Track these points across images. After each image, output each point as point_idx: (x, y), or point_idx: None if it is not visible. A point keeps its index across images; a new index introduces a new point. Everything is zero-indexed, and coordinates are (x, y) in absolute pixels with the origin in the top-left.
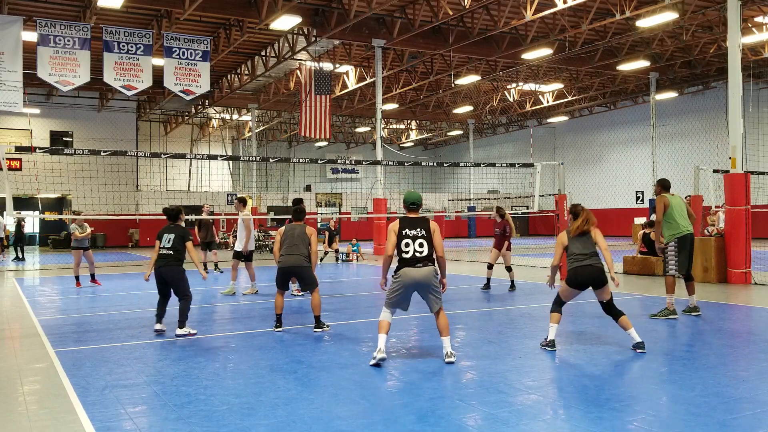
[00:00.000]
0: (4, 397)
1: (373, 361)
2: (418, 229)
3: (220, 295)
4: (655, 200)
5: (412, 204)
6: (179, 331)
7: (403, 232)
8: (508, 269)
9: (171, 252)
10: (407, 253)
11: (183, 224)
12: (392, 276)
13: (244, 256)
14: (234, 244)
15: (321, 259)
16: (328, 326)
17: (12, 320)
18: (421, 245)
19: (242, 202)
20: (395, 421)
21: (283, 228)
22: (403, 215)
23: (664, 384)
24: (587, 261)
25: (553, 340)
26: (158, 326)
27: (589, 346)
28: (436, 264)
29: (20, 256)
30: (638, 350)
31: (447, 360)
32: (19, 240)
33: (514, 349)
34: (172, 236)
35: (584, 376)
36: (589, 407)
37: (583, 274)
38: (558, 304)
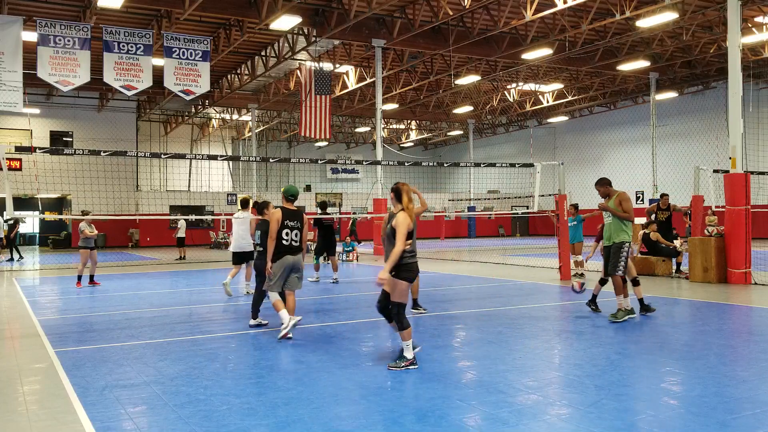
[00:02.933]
0: (4, 397)
1: (286, 334)
2: (296, 221)
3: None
4: (620, 196)
5: (291, 196)
6: (251, 322)
7: (285, 222)
8: (636, 282)
9: (261, 248)
10: (286, 241)
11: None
12: (272, 262)
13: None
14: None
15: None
16: (420, 309)
17: (12, 320)
18: (297, 235)
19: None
20: (395, 421)
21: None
22: (283, 206)
23: (664, 384)
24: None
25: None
26: (253, 321)
27: (589, 346)
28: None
29: (13, 256)
30: (389, 363)
31: (283, 332)
32: (12, 240)
33: (514, 349)
34: (259, 233)
35: (584, 376)
36: (589, 407)
37: (416, 269)
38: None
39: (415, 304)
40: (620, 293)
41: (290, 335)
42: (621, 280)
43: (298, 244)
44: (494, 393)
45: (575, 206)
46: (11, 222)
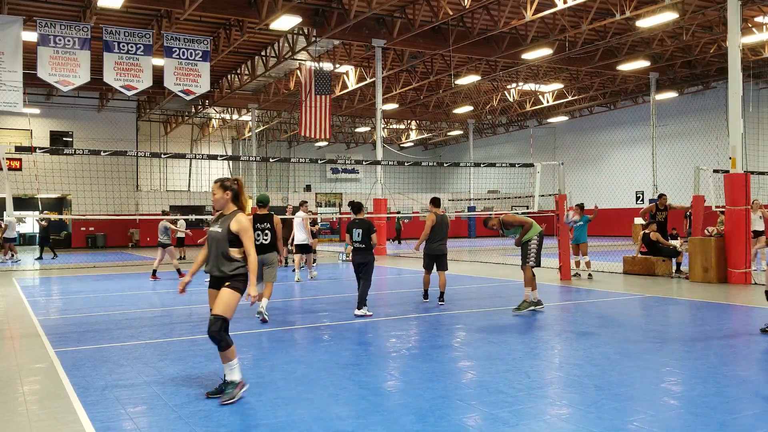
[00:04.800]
0: (4, 397)
1: (259, 316)
2: (266, 223)
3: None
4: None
5: (260, 202)
6: (357, 312)
7: (255, 225)
8: None
9: (362, 245)
10: (257, 241)
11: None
12: None
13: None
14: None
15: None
16: (443, 302)
17: (12, 320)
18: (266, 235)
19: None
20: (395, 421)
21: (434, 216)
22: (255, 212)
23: (664, 384)
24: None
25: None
26: (358, 311)
27: (589, 346)
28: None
29: (42, 255)
30: (220, 399)
31: (259, 311)
32: (45, 239)
33: (514, 349)
34: (360, 231)
35: (584, 376)
36: (589, 407)
37: (247, 280)
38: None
39: (441, 297)
40: (529, 285)
41: (263, 315)
42: (531, 273)
43: (267, 242)
44: (494, 393)
45: (581, 206)
46: (44, 222)
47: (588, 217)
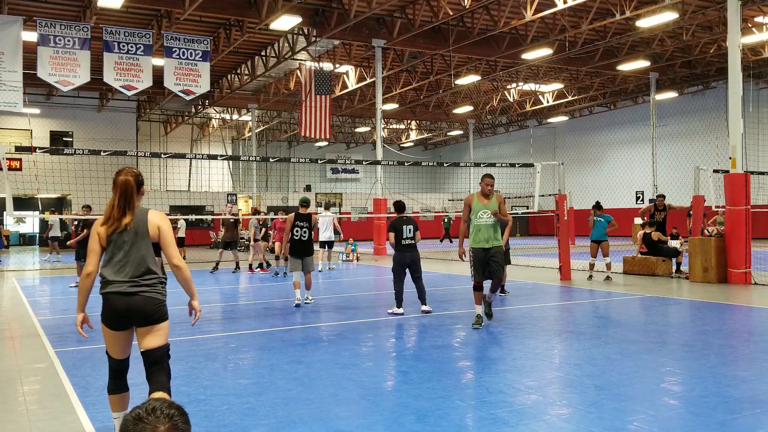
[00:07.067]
0: (4, 397)
1: (296, 303)
2: (305, 222)
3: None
4: (499, 198)
5: (302, 203)
6: (425, 308)
7: (296, 222)
8: None
9: (413, 241)
10: (296, 236)
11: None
12: (289, 254)
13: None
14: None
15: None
16: (508, 292)
17: (12, 320)
18: (305, 232)
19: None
20: (395, 421)
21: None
22: (297, 211)
23: (664, 384)
24: (125, 287)
25: None
26: (399, 310)
27: (589, 346)
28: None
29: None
30: None
31: (306, 301)
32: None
33: (514, 350)
34: (411, 227)
35: (584, 376)
36: (589, 407)
37: (116, 306)
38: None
39: (502, 289)
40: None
41: (301, 304)
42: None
43: (306, 239)
44: (494, 393)
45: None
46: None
47: (610, 218)
